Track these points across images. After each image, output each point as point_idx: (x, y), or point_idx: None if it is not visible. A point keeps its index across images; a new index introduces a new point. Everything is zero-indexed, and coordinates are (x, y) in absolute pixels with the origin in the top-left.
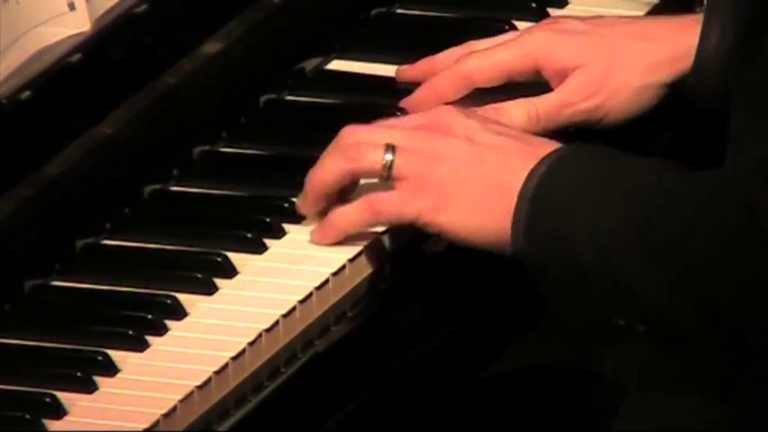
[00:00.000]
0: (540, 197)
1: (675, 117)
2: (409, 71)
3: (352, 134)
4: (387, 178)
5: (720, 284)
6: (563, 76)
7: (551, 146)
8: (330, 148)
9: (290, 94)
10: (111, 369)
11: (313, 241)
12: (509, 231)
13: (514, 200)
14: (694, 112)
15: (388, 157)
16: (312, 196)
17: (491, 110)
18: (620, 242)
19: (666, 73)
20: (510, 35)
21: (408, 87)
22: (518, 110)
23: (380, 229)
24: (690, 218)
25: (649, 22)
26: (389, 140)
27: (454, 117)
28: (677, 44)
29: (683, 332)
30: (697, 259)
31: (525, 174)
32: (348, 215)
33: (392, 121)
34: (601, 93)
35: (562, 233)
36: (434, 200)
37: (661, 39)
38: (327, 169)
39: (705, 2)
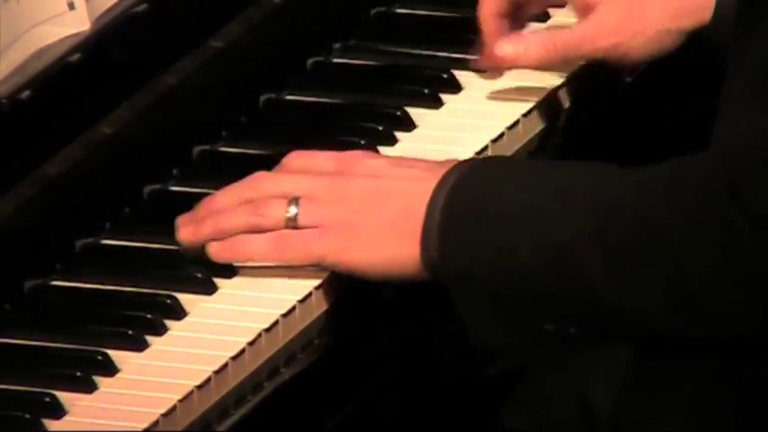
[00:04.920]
0: (454, 204)
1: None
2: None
3: (257, 183)
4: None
5: (692, 262)
6: (587, 9)
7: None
8: (235, 193)
9: (290, 94)
10: (110, 369)
11: (209, 253)
12: (419, 252)
13: (421, 218)
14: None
15: (292, 210)
16: (207, 231)
17: (510, 41)
18: (572, 243)
19: (688, 21)
20: None
21: (410, 87)
22: (536, 41)
23: None
24: (657, 202)
25: None
26: (294, 191)
27: (361, 160)
28: None
29: (643, 326)
30: (668, 243)
31: (431, 191)
32: (256, 248)
33: (300, 159)
34: (621, 32)
35: (486, 236)
36: (339, 240)
37: None
38: (234, 218)
39: None
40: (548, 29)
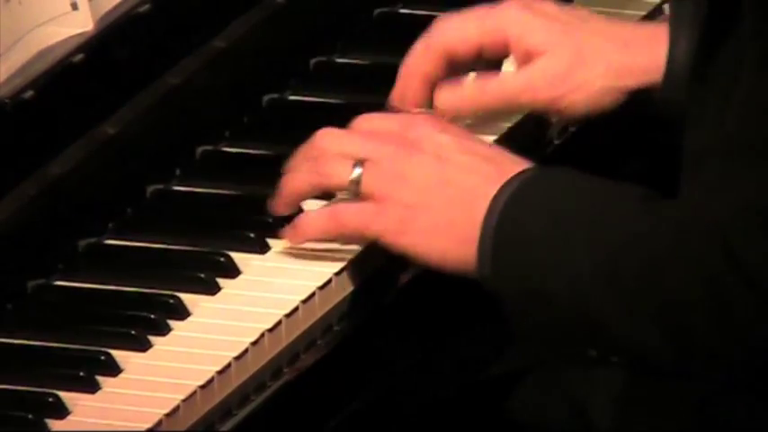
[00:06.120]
0: (505, 227)
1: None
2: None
3: (324, 141)
4: (355, 193)
5: (695, 322)
6: (529, 57)
7: (520, 166)
8: (302, 152)
9: (292, 94)
10: (113, 369)
11: (283, 238)
12: (474, 257)
13: (478, 226)
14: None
15: (357, 171)
16: (285, 201)
17: (444, 89)
18: (590, 276)
19: (633, 81)
20: (480, 9)
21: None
22: (471, 90)
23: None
24: (662, 255)
25: (624, 26)
26: (359, 153)
27: (427, 132)
28: (649, 54)
29: (658, 366)
30: (670, 297)
31: (490, 199)
32: (314, 222)
33: (368, 121)
34: (562, 85)
35: (530, 266)
36: (397, 222)
37: (633, 45)
38: (299, 181)
39: (670, 12)
40: (488, 75)
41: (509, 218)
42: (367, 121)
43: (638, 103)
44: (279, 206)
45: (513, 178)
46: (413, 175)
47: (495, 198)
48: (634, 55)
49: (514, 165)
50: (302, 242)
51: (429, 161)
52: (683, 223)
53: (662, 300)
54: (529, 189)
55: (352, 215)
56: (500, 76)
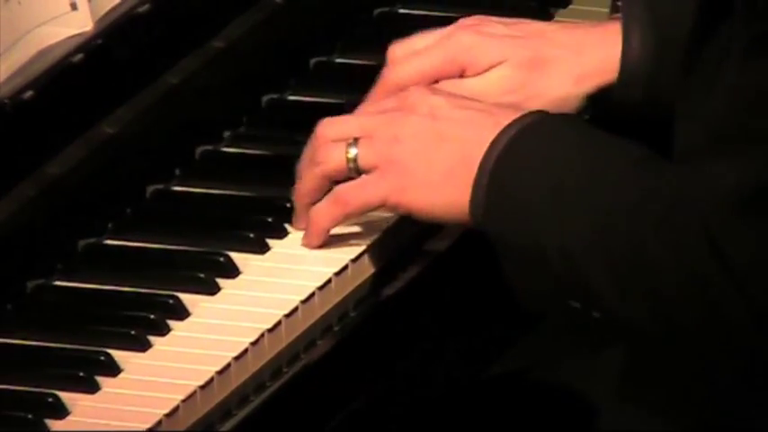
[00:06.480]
0: (499, 173)
1: None
2: None
3: (320, 130)
4: (356, 172)
5: (682, 317)
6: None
7: (517, 114)
8: (307, 148)
9: (292, 94)
10: (113, 369)
11: (305, 247)
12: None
13: (476, 171)
14: None
15: (352, 151)
16: (300, 211)
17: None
18: (582, 246)
19: (590, 86)
20: (431, 36)
21: None
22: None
23: (380, 229)
24: (650, 243)
25: (575, 31)
26: (354, 132)
27: (420, 96)
28: (602, 55)
29: (639, 334)
30: (658, 285)
31: (488, 145)
32: (322, 213)
33: (364, 106)
34: (519, 92)
35: (523, 219)
36: (398, 180)
37: (587, 50)
38: (303, 179)
39: (622, 10)
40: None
41: (505, 166)
42: (365, 106)
43: (594, 103)
44: (297, 219)
45: (512, 123)
46: (407, 135)
47: (494, 143)
48: (589, 60)
49: (512, 113)
50: (322, 239)
51: (423, 120)
52: (669, 211)
53: (651, 286)
54: (527, 137)
55: (355, 191)
56: (462, 80)
